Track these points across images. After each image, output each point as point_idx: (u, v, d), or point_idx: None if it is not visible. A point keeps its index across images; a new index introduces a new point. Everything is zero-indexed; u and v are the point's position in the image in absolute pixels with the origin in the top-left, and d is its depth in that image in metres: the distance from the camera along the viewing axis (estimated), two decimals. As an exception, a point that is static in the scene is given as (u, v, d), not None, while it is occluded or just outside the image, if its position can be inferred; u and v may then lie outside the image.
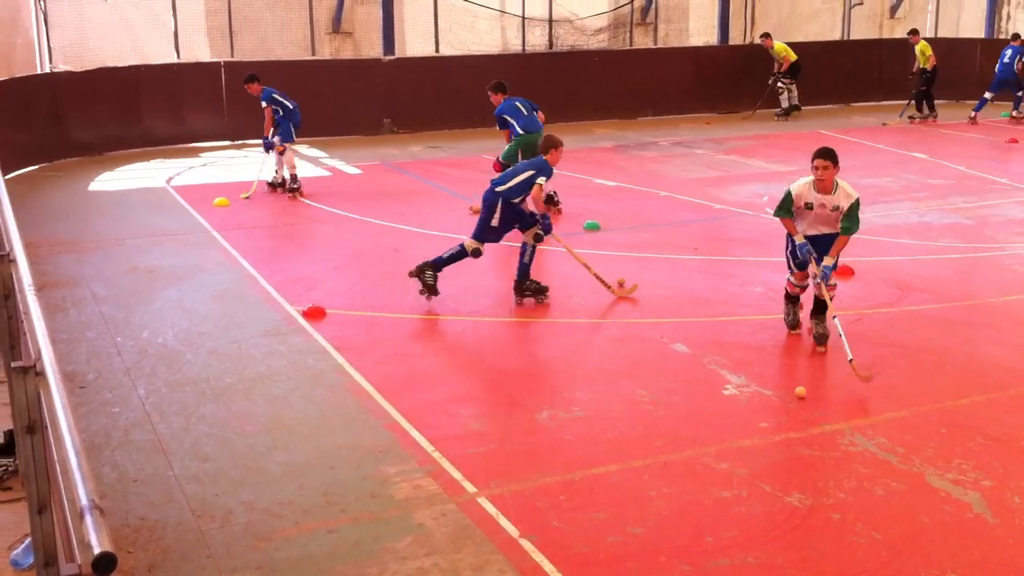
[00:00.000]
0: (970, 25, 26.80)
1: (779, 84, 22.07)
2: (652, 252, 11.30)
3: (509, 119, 12.81)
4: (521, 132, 12.62)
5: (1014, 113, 21.82)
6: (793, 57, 21.87)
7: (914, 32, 22.11)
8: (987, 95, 21.66)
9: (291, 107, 14.38)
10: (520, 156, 11.99)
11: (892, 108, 24.12)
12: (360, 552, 5.40)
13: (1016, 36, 22.13)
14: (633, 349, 8.46)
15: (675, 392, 7.55)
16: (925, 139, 19.46)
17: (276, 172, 14.62)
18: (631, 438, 6.74)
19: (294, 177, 14.44)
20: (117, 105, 18.17)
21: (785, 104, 22.10)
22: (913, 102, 21.90)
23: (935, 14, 26.97)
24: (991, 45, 25.11)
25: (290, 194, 14.33)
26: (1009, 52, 21.60)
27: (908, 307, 9.46)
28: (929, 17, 27.21)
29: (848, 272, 10.15)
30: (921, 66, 21.53)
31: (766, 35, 22.32)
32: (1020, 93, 21.67)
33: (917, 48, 21.58)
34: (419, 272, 9.52)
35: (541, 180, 9.33)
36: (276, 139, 14.34)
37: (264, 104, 14.27)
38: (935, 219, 12.97)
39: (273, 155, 14.52)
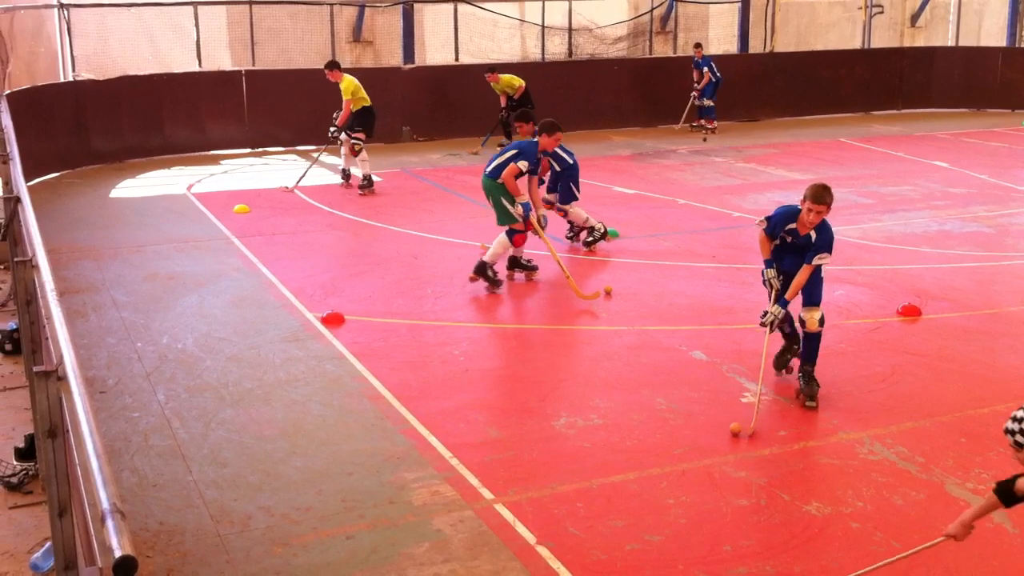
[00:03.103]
0: (991, 33, 26.72)
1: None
2: (671, 260, 11.28)
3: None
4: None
5: (702, 123, 21.31)
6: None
7: (491, 71, 19.11)
8: (706, 102, 21.13)
9: (571, 162, 12.02)
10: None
11: (913, 116, 24.06)
12: (378, 558, 5.41)
13: (698, 46, 21.41)
14: (651, 357, 8.45)
15: (694, 400, 7.53)
16: (948, 148, 19.37)
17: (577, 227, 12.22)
18: (649, 446, 6.73)
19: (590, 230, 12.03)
20: (139, 113, 18.29)
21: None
22: (500, 129, 19.43)
23: (956, 23, 26.88)
24: (1012, 54, 25.03)
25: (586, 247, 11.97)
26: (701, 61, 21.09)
27: (928, 316, 9.42)
28: (950, 26, 27.12)
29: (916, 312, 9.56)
30: (510, 95, 18.97)
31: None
32: (704, 102, 21.17)
33: (499, 87, 18.99)
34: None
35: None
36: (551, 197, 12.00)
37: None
38: (955, 228, 12.91)
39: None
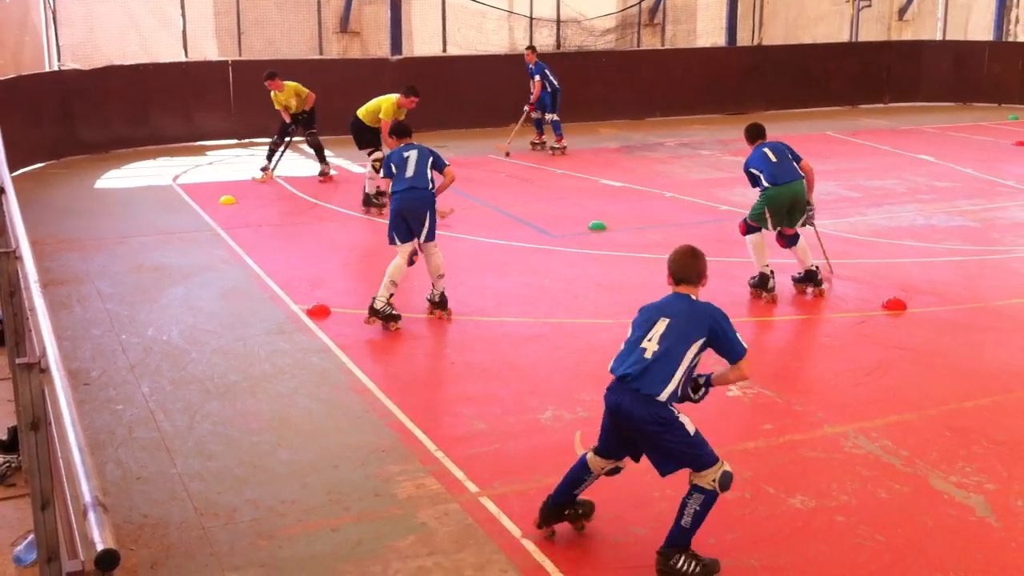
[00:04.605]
0: (979, 28, 26.78)
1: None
2: (657, 253, 11.28)
3: (755, 171, 9.81)
4: (767, 186, 9.70)
5: (536, 139, 18.65)
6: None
7: (271, 76, 15.44)
8: (548, 116, 18.22)
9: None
10: (768, 215, 9.70)
11: (900, 110, 24.11)
12: (363, 551, 5.40)
13: (531, 48, 18.68)
14: (638, 350, 8.44)
15: (679, 393, 7.53)
16: (934, 142, 19.43)
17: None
18: (635, 439, 6.73)
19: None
20: (125, 103, 18.22)
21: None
22: (277, 152, 15.89)
23: (944, 17, 26.94)
24: (1000, 48, 25.11)
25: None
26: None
27: (913, 309, 9.44)
28: (938, 20, 27.19)
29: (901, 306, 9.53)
30: (293, 111, 15.59)
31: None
32: (545, 116, 18.23)
33: (282, 97, 15.53)
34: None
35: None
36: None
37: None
38: (941, 222, 12.95)
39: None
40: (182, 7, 19.25)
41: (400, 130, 9.65)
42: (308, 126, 15.61)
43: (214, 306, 9.54)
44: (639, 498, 5.93)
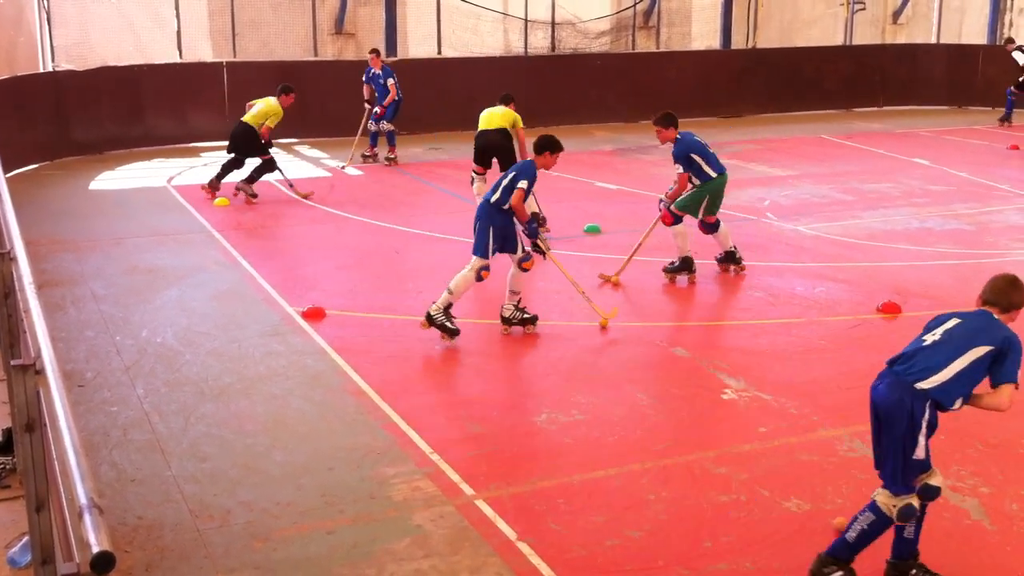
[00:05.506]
0: (973, 31, 26.84)
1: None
2: (652, 256, 11.28)
3: (698, 159, 10.20)
4: (714, 175, 10.25)
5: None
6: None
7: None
8: (385, 126, 17.00)
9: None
10: (706, 204, 10.25)
11: (895, 113, 24.14)
12: (358, 553, 5.39)
13: (375, 52, 17.34)
14: (633, 353, 8.46)
15: (675, 396, 7.55)
16: (929, 145, 19.46)
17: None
18: (630, 442, 6.74)
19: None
20: (119, 104, 18.18)
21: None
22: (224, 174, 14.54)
23: (938, 20, 26.99)
24: (994, 51, 25.17)
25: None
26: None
27: (908, 313, 9.45)
28: (932, 24, 27.24)
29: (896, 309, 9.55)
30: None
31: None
32: (381, 125, 16.94)
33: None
34: None
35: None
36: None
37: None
38: (936, 225, 12.97)
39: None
40: (176, 8, 19.22)
41: (537, 143, 8.93)
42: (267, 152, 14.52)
43: (208, 308, 9.53)
44: (634, 501, 5.93)
